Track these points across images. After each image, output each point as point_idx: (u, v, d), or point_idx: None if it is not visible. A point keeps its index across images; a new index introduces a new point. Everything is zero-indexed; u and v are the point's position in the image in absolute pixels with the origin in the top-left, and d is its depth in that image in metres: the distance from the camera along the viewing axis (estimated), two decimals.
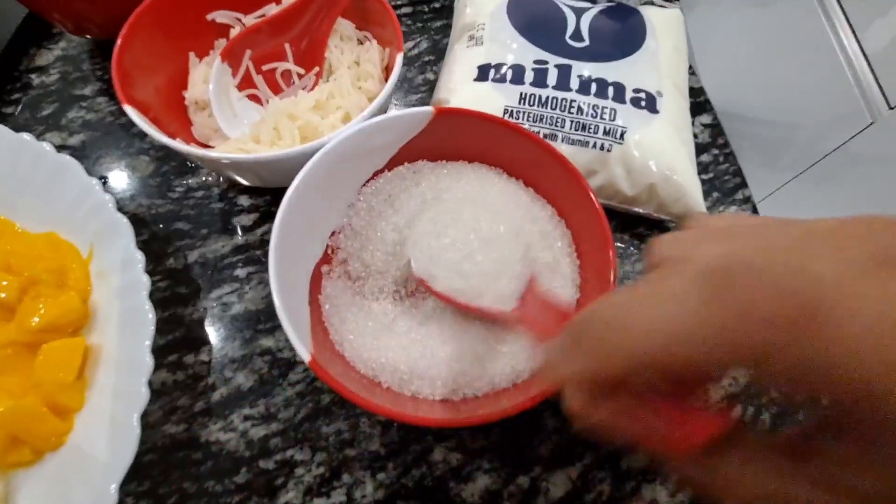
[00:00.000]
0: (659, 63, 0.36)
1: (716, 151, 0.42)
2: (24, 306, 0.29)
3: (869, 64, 0.78)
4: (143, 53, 0.32)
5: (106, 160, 0.37)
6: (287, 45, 0.35)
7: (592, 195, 0.27)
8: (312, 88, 0.35)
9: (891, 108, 0.74)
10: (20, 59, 0.41)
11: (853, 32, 0.80)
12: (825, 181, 0.82)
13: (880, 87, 0.75)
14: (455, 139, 0.31)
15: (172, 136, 0.31)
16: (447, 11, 0.46)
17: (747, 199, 0.39)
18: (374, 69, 0.34)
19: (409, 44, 0.44)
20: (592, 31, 0.37)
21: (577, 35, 0.36)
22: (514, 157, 0.31)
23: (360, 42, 0.37)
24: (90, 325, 0.30)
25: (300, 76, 0.35)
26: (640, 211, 0.35)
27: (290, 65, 0.35)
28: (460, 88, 0.34)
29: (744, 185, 0.40)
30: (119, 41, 0.30)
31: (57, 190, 0.32)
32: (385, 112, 0.31)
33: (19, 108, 0.39)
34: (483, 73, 0.35)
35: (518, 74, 0.34)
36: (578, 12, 0.38)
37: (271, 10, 0.37)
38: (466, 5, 0.40)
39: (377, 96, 0.33)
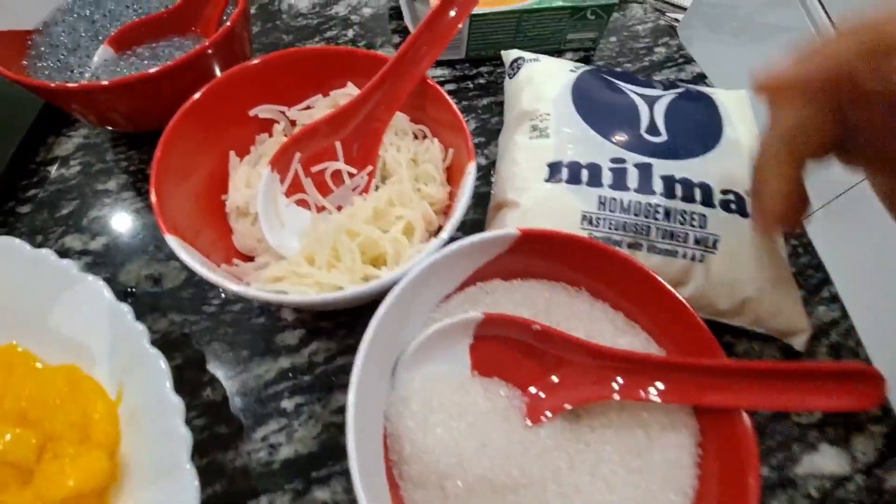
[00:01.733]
0: (742, 156, 0.33)
1: (794, 242, 0.38)
2: (42, 469, 0.25)
3: None
4: (182, 159, 0.29)
5: (132, 267, 0.33)
6: (338, 144, 0.31)
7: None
8: (366, 190, 0.32)
9: None
10: (37, 148, 0.38)
11: None
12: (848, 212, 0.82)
13: None
14: (535, 258, 0.27)
15: (211, 251, 0.27)
16: (493, 88, 0.44)
17: (834, 298, 0.36)
18: (435, 171, 0.31)
19: None
20: (669, 123, 0.34)
21: (653, 128, 0.33)
22: (606, 281, 0.27)
23: (416, 136, 0.33)
24: (119, 485, 0.25)
25: (351, 175, 0.32)
26: (732, 323, 0.31)
27: (340, 164, 0.32)
28: (530, 189, 0.31)
29: (828, 280, 0.37)
30: (159, 152, 0.27)
31: (79, 315, 0.28)
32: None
33: (35, 206, 0.36)
34: (554, 171, 0.31)
35: (595, 175, 0.31)
36: (650, 101, 0.35)
37: (318, 101, 0.34)
38: (521, 89, 0.37)
39: (438, 201, 0.30)
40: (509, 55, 0.40)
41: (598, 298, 0.28)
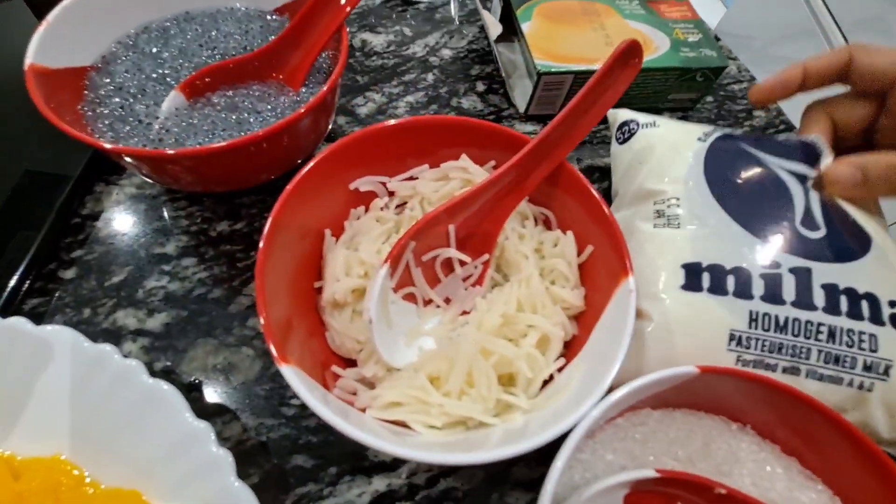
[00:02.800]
0: (892, 252, 0.29)
1: None
2: None
3: None
4: (281, 253, 0.24)
5: (196, 353, 0.28)
6: (452, 228, 0.27)
7: None
8: (479, 282, 0.27)
9: None
10: (83, 199, 0.33)
11: None
12: None
13: None
14: (696, 392, 0.23)
15: (304, 355, 0.23)
16: (589, 148, 0.40)
17: None
18: (567, 270, 0.26)
19: None
20: (826, 213, 0.29)
21: (809, 219, 0.28)
22: (780, 420, 0.23)
23: (536, 221, 0.29)
24: None
25: (462, 264, 0.27)
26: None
27: (452, 252, 0.27)
28: (664, 297, 0.26)
29: None
30: (260, 254, 0.22)
31: (143, 428, 0.23)
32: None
33: (81, 270, 0.30)
34: (693, 276, 0.27)
35: (743, 283, 0.26)
36: (803, 181, 0.30)
37: (423, 172, 0.29)
38: (639, 161, 0.32)
39: (573, 307, 0.26)
40: (617, 116, 0.36)
41: (767, 439, 0.24)
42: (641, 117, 0.34)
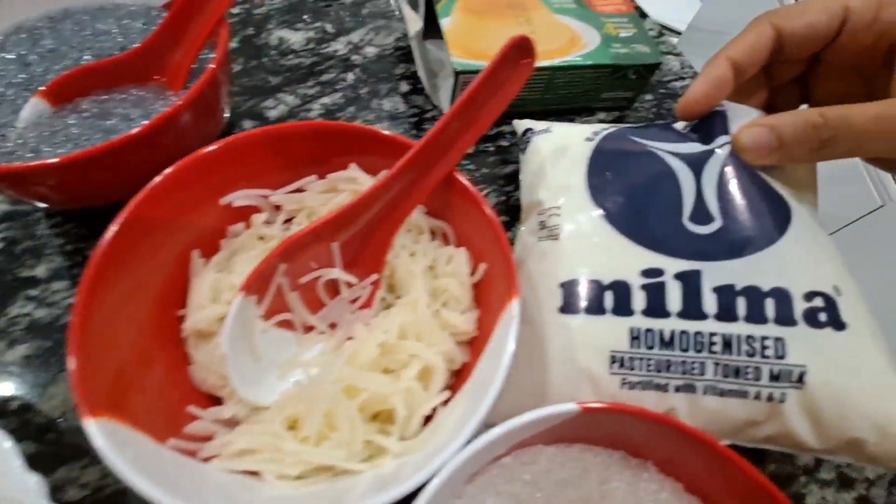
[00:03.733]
0: (819, 230, 0.25)
1: None
2: None
3: None
4: (125, 276, 0.21)
5: (58, 389, 0.26)
6: (335, 246, 0.25)
7: None
8: (368, 304, 0.25)
9: None
10: None
11: None
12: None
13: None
14: (591, 426, 0.21)
15: (161, 393, 0.21)
16: (516, 151, 0.37)
17: None
18: (460, 290, 0.24)
19: None
20: (723, 199, 0.25)
21: (700, 212, 0.25)
22: (681, 457, 0.21)
23: (434, 234, 0.27)
24: None
25: (350, 286, 0.25)
26: (830, 458, 0.25)
27: (337, 273, 0.25)
28: (545, 321, 0.24)
29: None
30: (83, 285, 0.19)
31: None
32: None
33: None
34: (570, 297, 0.24)
35: (622, 298, 0.24)
36: (695, 165, 0.26)
37: (311, 183, 0.27)
38: (531, 172, 0.29)
39: (463, 332, 0.23)
40: (520, 125, 0.32)
41: (670, 476, 0.22)
42: (537, 125, 0.31)
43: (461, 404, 0.21)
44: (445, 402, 0.22)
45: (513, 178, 0.36)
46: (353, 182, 0.26)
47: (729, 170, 0.26)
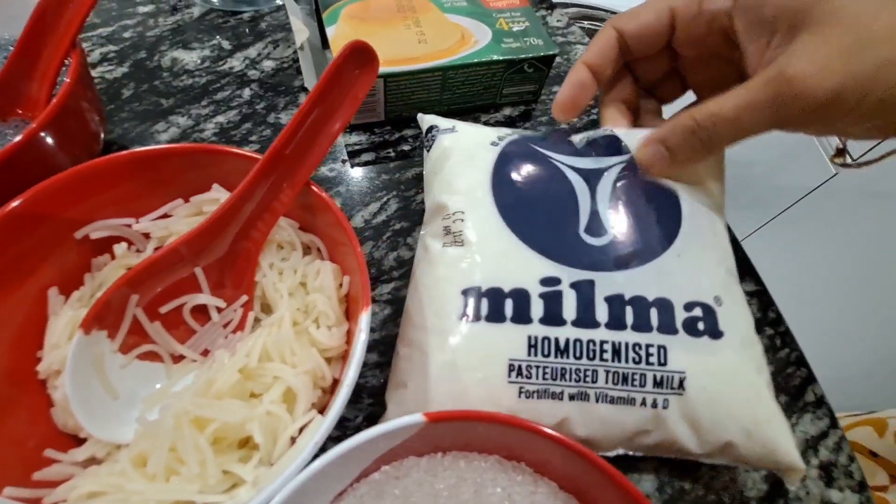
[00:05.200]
0: (710, 243, 0.27)
1: (769, 331, 0.33)
2: None
3: None
4: None
5: None
6: (199, 271, 0.24)
7: None
8: (241, 326, 0.24)
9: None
10: None
11: None
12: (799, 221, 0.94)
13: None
14: (454, 433, 0.21)
15: (20, 438, 0.20)
16: (420, 156, 0.37)
17: (820, 402, 0.31)
18: (327, 306, 0.23)
19: (375, 206, 0.34)
20: (614, 213, 0.26)
21: (594, 224, 0.26)
22: (547, 455, 0.21)
23: (307, 250, 0.26)
24: None
25: (220, 310, 0.24)
26: (708, 461, 0.25)
27: (205, 297, 0.24)
28: (445, 330, 0.23)
29: (812, 378, 0.32)
30: None
31: None
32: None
33: None
34: (471, 303, 0.24)
35: (521, 306, 0.24)
36: (591, 179, 0.27)
37: (177, 208, 0.26)
38: (434, 172, 0.29)
39: (332, 348, 0.23)
40: (424, 121, 0.32)
41: (545, 475, 0.21)
42: (442, 122, 0.30)
43: (318, 423, 0.21)
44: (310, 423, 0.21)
45: (414, 183, 0.36)
46: (217, 203, 0.25)
47: (620, 187, 0.27)
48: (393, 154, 0.37)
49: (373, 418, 0.26)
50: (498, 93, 0.39)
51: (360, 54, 0.22)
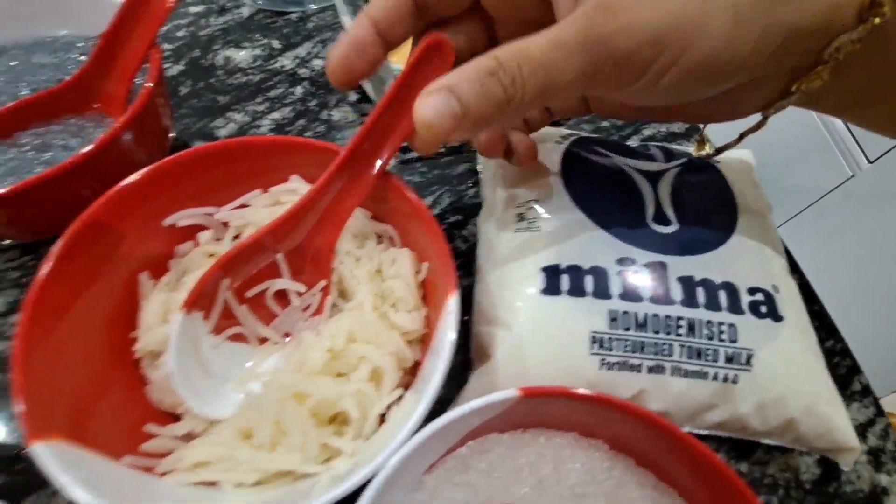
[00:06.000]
0: (763, 238, 0.28)
1: (815, 323, 0.34)
2: None
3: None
4: (71, 301, 0.22)
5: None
6: (280, 257, 0.25)
7: None
8: (319, 310, 0.25)
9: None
10: None
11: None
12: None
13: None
14: (540, 409, 0.22)
15: (120, 415, 0.21)
16: (469, 152, 0.38)
17: (866, 391, 0.32)
18: (406, 291, 0.24)
19: (428, 199, 0.35)
20: (678, 207, 0.28)
21: (660, 215, 0.28)
22: (630, 434, 0.22)
23: (380, 238, 0.27)
24: None
25: (300, 294, 0.25)
26: (768, 442, 0.26)
27: (285, 282, 0.25)
28: (524, 303, 0.25)
29: (857, 369, 0.33)
30: (23, 326, 0.20)
31: None
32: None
33: None
34: (552, 280, 0.25)
35: (601, 282, 0.25)
36: (652, 179, 0.30)
37: (255, 198, 0.27)
38: (500, 165, 0.31)
39: (411, 331, 0.24)
40: None
41: (621, 452, 0.22)
42: None
43: (409, 400, 0.22)
44: (400, 400, 0.23)
45: (466, 177, 0.37)
46: (295, 193, 0.26)
47: (679, 186, 0.29)
48: (444, 150, 0.38)
49: (442, 401, 0.27)
50: None
51: (437, 50, 0.23)
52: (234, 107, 0.38)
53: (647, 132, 0.41)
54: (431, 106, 0.17)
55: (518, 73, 0.17)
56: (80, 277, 0.22)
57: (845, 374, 0.32)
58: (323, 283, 0.25)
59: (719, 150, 0.30)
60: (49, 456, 0.17)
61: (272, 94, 0.39)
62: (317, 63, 0.42)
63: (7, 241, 0.30)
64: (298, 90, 0.40)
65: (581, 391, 0.20)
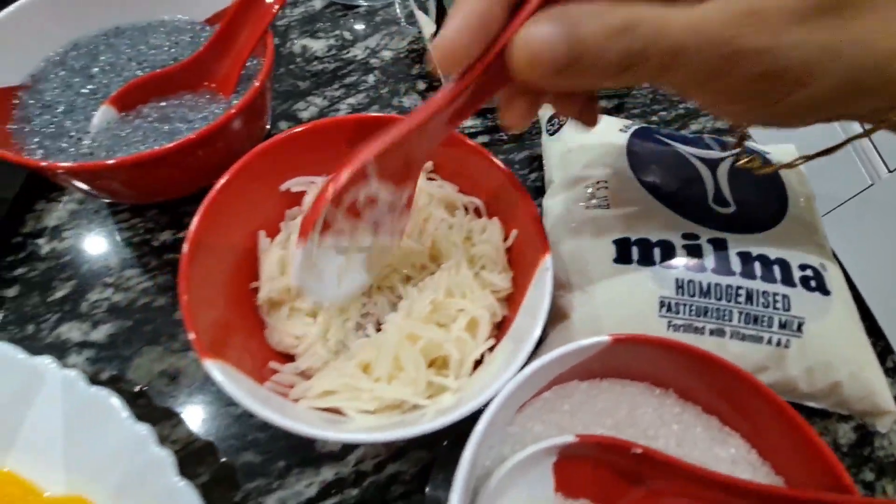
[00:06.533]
0: (810, 223, 0.32)
1: None
2: None
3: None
4: (209, 256, 0.25)
5: (142, 361, 0.29)
6: (372, 168, 0.27)
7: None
8: (408, 206, 0.26)
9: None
10: (23, 217, 0.33)
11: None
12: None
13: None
14: (619, 359, 0.24)
15: (244, 354, 0.24)
16: (530, 139, 0.41)
17: None
18: (494, 254, 0.27)
19: None
20: (735, 192, 0.31)
21: (720, 198, 0.31)
22: (699, 382, 0.24)
23: (466, 210, 0.30)
24: None
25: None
26: (812, 405, 0.29)
27: (373, 187, 0.27)
28: (598, 271, 0.28)
29: (890, 349, 0.35)
30: (186, 264, 0.23)
31: (84, 435, 0.24)
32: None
33: (24, 288, 0.31)
34: (624, 250, 0.28)
35: (668, 254, 0.28)
36: (711, 166, 0.33)
37: None
38: (569, 150, 0.34)
39: (501, 289, 0.27)
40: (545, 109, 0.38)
41: (689, 400, 0.25)
42: None
43: (506, 347, 0.25)
44: (492, 349, 0.26)
45: (527, 163, 0.40)
46: None
47: (735, 172, 0.32)
48: (506, 137, 0.41)
49: None
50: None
51: None
52: (313, 91, 0.41)
53: (694, 126, 0.44)
54: (540, 37, 0.15)
55: (648, 45, 0.15)
56: (220, 228, 0.25)
57: (879, 353, 0.35)
58: (409, 191, 0.27)
59: (769, 163, 0.32)
60: (216, 370, 0.20)
61: (347, 81, 0.43)
62: (386, 54, 0.45)
63: (121, 205, 0.34)
64: (370, 78, 0.43)
65: (668, 339, 0.23)
